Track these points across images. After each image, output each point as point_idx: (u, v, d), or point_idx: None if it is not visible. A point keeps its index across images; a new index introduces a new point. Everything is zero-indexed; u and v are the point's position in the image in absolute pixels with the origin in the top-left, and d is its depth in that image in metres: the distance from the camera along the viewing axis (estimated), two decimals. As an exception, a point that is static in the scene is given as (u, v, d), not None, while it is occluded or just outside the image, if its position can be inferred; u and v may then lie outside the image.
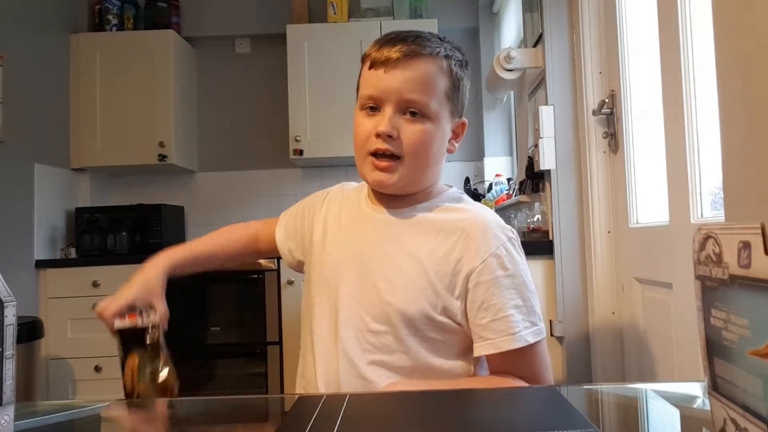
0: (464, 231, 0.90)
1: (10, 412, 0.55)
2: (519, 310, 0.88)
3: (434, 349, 0.89)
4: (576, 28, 1.86)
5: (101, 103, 3.12)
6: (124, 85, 3.12)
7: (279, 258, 1.13)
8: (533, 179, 2.12)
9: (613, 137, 1.74)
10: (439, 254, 0.89)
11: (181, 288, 3.20)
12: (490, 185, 2.99)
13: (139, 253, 3.00)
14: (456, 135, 0.96)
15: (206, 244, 1.17)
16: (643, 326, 1.59)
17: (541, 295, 2.00)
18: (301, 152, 3.05)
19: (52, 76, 3.01)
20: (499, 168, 3.13)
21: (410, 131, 0.88)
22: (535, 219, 2.12)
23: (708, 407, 0.44)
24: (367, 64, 0.92)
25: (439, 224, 0.92)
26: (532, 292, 0.92)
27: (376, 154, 0.89)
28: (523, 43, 2.39)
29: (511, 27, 2.92)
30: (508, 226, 0.95)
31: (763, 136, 0.87)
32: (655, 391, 0.72)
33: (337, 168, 3.40)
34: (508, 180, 2.91)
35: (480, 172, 3.29)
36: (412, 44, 0.88)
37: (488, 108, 3.27)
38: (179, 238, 3.35)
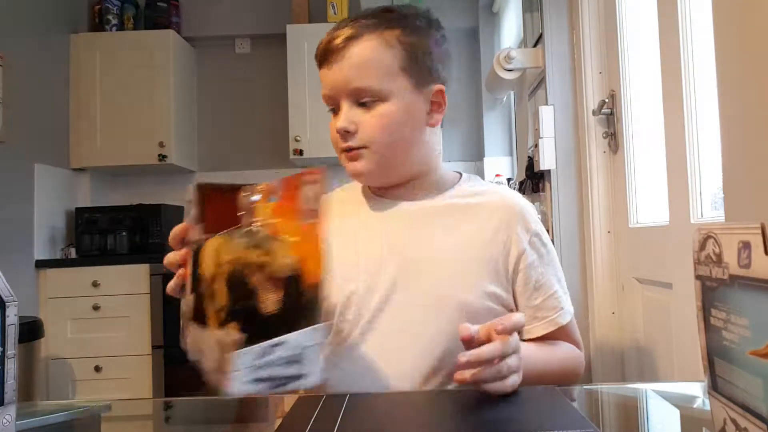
0: (504, 211, 0.88)
1: (11, 411, 0.55)
2: (560, 283, 0.90)
3: None
4: (576, 28, 1.86)
5: (101, 104, 3.12)
6: (124, 85, 3.12)
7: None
8: (533, 179, 2.12)
9: (613, 137, 1.74)
10: (486, 236, 0.86)
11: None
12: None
13: (139, 253, 3.01)
14: (437, 105, 0.88)
15: None
16: (643, 326, 1.58)
17: (541, 295, 2.00)
18: (301, 152, 3.05)
19: (52, 76, 3.01)
20: (499, 168, 3.13)
21: (367, 120, 0.84)
22: (535, 219, 2.12)
23: (708, 407, 0.44)
24: (317, 64, 0.89)
25: (475, 207, 0.88)
26: (559, 266, 0.94)
27: (345, 150, 0.87)
28: (523, 43, 2.39)
29: (511, 27, 2.92)
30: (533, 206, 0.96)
31: (763, 136, 0.87)
32: (655, 391, 0.72)
33: (338, 168, 3.39)
34: (508, 180, 2.91)
35: (480, 172, 3.29)
36: (345, 29, 0.84)
37: (488, 108, 3.27)
38: (179, 238, 3.34)
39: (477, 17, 3.32)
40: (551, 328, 0.87)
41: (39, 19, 2.90)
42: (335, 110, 0.87)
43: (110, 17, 3.24)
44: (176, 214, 3.34)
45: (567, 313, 0.89)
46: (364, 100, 0.83)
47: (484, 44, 3.29)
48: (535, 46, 2.14)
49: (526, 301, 0.87)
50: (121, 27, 3.26)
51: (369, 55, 0.82)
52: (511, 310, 0.86)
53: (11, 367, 0.55)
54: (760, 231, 0.36)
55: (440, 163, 0.93)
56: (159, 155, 3.08)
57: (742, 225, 0.38)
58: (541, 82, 2.06)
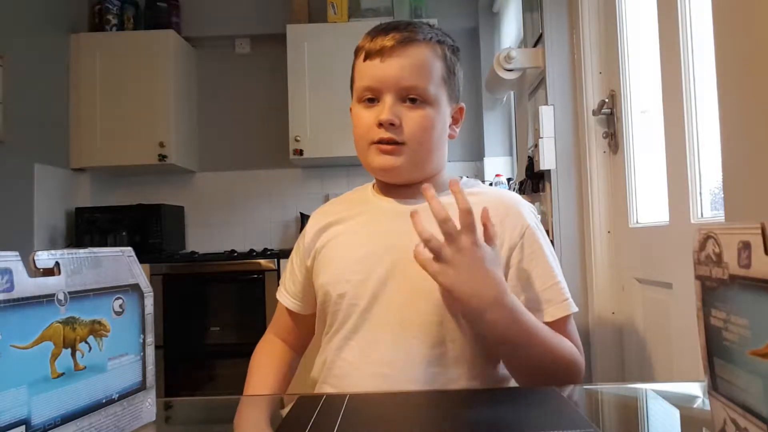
0: (498, 208, 0.89)
1: (152, 395, 0.58)
2: (559, 278, 0.89)
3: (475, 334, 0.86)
4: (576, 28, 1.86)
5: (101, 103, 3.12)
6: (124, 85, 3.12)
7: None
8: (533, 179, 2.12)
9: (613, 137, 1.74)
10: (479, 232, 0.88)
11: (181, 288, 3.22)
12: (490, 185, 2.99)
13: (139, 253, 3.00)
14: (455, 120, 0.96)
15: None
16: (643, 326, 1.58)
17: (541, 295, 2.00)
18: (301, 152, 3.05)
19: (52, 76, 3.01)
20: (499, 168, 3.13)
21: (412, 117, 0.88)
22: (535, 219, 2.12)
23: (708, 407, 0.44)
24: (361, 56, 0.92)
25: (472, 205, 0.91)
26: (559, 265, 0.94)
27: (380, 142, 0.89)
28: (523, 43, 2.39)
29: (511, 27, 2.92)
30: (532, 205, 0.97)
31: (763, 136, 0.87)
32: (655, 391, 0.72)
33: (337, 168, 3.40)
34: (508, 180, 2.91)
35: (480, 172, 3.29)
36: (404, 31, 0.88)
37: (488, 108, 3.27)
38: (179, 238, 3.35)
39: (477, 17, 3.32)
40: (548, 319, 0.85)
41: (39, 19, 2.90)
42: (371, 100, 0.91)
43: (110, 17, 3.24)
44: (176, 214, 3.34)
45: (571, 305, 0.87)
46: (413, 97, 0.88)
47: (484, 44, 3.29)
48: (535, 46, 2.14)
49: (520, 294, 0.87)
50: (121, 27, 3.26)
51: (426, 60, 0.89)
52: None
53: (150, 353, 0.58)
54: (760, 231, 0.36)
55: (444, 167, 0.98)
56: (159, 155, 3.08)
57: (742, 225, 0.38)
58: (541, 82, 2.06)
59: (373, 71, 0.89)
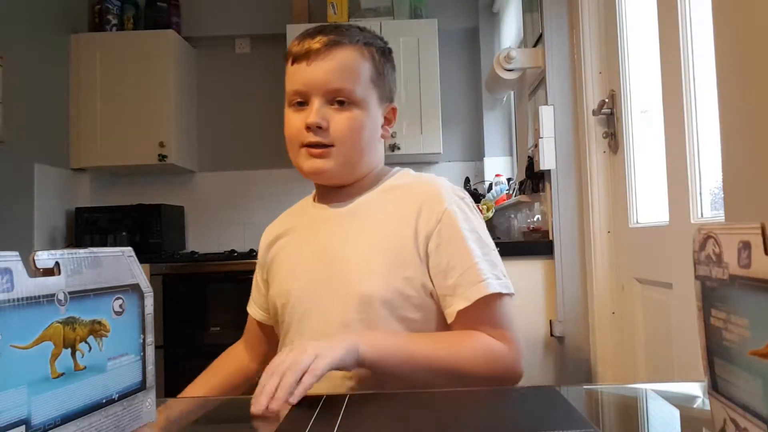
0: (415, 198, 0.91)
1: (152, 395, 0.58)
2: (484, 260, 0.87)
3: (413, 330, 0.88)
4: (576, 28, 1.86)
5: (101, 103, 3.12)
6: (124, 85, 3.12)
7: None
8: (533, 179, 2.12)
9: (613, 137, 1.74)
10: (398, 227, 0.89)
11: (181, 288, 3.21)
12: (490, 185, 2.99)
13: (139, 253, 3.00)
14: (388, 121, 0.97)
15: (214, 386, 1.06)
16: (643, 326, 1.58)
17: (541, 295, 2.01)
18: (301, 152, 3.05)
19: (52, 76, 3.01)
20: (499, 168, 3.13)
21: (339, 119, 0.89)
22: (535, 219, 2.12)
23: (708, 407, 0.44)
24: (290, 60, 0.92)
25: (391, 199, 0.93)
26: (493, 249, 0.91)
27: (309, 145, 0.90)
28: (523, 43, 2.39)
29: (511, 27, 2.92)
30: (461, 188, 0.96)
31: (763, 136, 0.87)
32: (655, 391, 0.72)
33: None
34: (508, 180, 2.91)
35: (480, 172, 3.29)
36: (331, 34, 0.89)
37: (488, 108, 3.27)
38: (179, 238, 3.35)
39: (477, 17, 3.33)
40: (464, 304, 0.84)
41: (39, 19, 2.90)
42: (300, 104, 0.91)
43: (110, 17, 3.24)
44: (176, 214, 3.34)
45: (487, 286, 0.84)
46: (340, 99, 0.89)
47: (484, 44, 3.29)
48: (535, 46, 2.14)
49: (441, 282, 0.87)
50: (121, 27, 3.26)
51: (352, 62, 0.90)
52: (430, 295, 0.88)
53: (150, 353, 0.58)
54: (760, 231, 0.36)
55: (376, 169, 0.99)
56: (159, 155, 3.08)
57: (742, 225, 0.38)
58: (541, 82, 2.06)
59: (300, 75, 0.90)
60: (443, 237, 0.87)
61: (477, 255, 0.87)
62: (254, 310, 1.09)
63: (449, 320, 0.87)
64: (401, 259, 0.87)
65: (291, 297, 0.93)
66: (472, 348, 0.84)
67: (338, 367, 0.72)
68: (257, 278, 1.08)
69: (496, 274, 0.87)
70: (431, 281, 0.88)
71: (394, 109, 0.97)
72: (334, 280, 0.89)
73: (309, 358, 0.69)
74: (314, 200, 1.01)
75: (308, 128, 0.89)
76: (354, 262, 0.89)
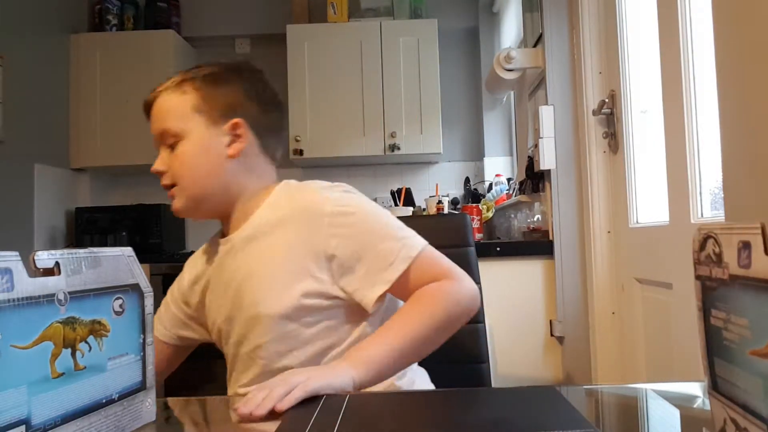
0: (299, 211, 0.92)
1: (152, 395, 0.58)
2: (386, 239, 0.90)
3: (328, 331, 0.90)
4: (576, 28, 1.86)
5: (101, 103, 3.12)
6: (124, 85, 3.12)
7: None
8: (533, 179, 2.12)
9: (613, 137, 1.74)
10: (288, 242, 0.91)
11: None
12: (490, 185, 2.99)
13: (139, 253, 3.00)
14: (236, 137, 0.96)
15: None
16: (643, 326, 1.58)
17: (541, 295, 2.01)
18: (301, 152, 3.05)
19: (52, 76, 3.01)
20: (499, 168, 3.13)
21: (173, 159, 0.95)
22: (535, 219, 2.12)
23: (708, 407, 0.44)
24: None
25: (277, 218, 0.94)
26: (388, 217, 0.93)
27: (165, 189, 0.99)
28: (523, 43, 2.39)
29: (511, 27, 2.92)
30: (335, 184, 0.97)
31: (763, 136, 0.87)
32: (655, 391, 0.72)
33: (337, 168, 3.40)
34: (508, 180, 2.91)
35: (480, 172, 3.29)
36: (158, 89, 0.97)
37: (488, 108, 3.27)
38: (179, 238, 3.35)
39: (477, 17, 3.32)
40: (384, 288, 0.87)
41: (39, 19, 2.90)
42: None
43: (110, 17, 3.24)
44: (176, 214, 3.34)
45: (400, 261, 0.88)
46: (170, 142, 0.95)
47: (484, 44, 3.29)
48: (535, 46, 2.14)
49: (354, 277, 0.89)
50: (121, 27, 3.26)
51: (168, 103, 0.95)
52: (336, 297, 0.90)
53: (150, 353, 0.58)
54: (760, 231, 0.36)
55: (250, 189, 0.99)
56: (159, 155, 3.08)
57: (742, 225, 0.38)
58: (541, 82, 2.06)
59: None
60: (342, 235, 0.89)
61: (377, 238, 0.90)
62: (157, 325, 1.09)
63: (373, 306, 0.89)
64: (297, 273, 0.89)
65: (221, 332, 0.98)
66: (434, 303, 0.87)
67: (331, 391, 0.72)
68: (172, 296, 1.09)
69: (401, 239, 0.90)
70: (338, 283, 0.89)
71: (236, 124, 0.95)
72: (243, 307, 0.93)
73: (301, 378, 0.70)
74: (219, 235, 1.04)
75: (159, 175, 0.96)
76: (254, 287, 0.92)
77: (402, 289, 0.89)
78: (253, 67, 1.02)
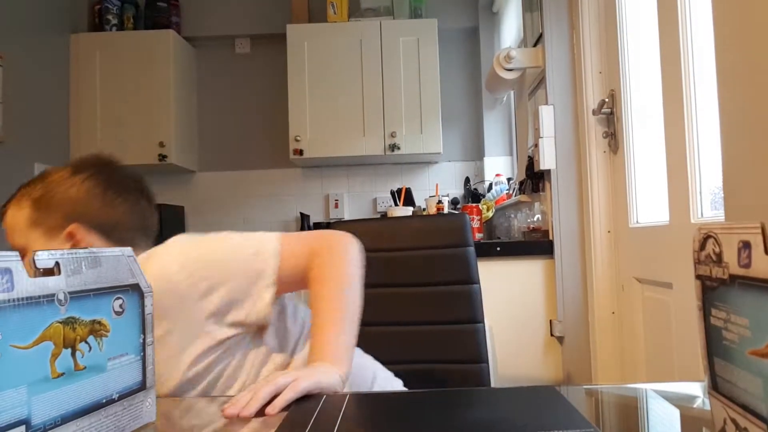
0: (154, 284, 0.88)
1: (152, 395, 0.58)
2: (241, 255, 0.89)
3: (235, 370, 0.88)
4: (576, 28, 1.86)
5: (101, 103, 3.12)
6: (124, 85, 3.12)
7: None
8: (533, 179, 2.12)
9: (613, 137, 1.74)
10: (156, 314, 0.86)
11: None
12: (490, 185, 2.99)
13: (139, 253, 3.01)
14: (76, 242, 0.94)
15: None
16: (643, 326, 1.58)
17: (541, 295, 2.01)
18: (301, 152, 3.05)
19: (52, 76, 3.01)
20: (499, 168, 3.13)
21: None
22: (535, 219, 2.12)
23: (708, 407, 0.44)
24: None
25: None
26: (228, 237, 0.93)
27: None
28: (523, 43, 2.39)
29: (511, 27, 2.92)
30: (170, 242, 0.96)
31: (763, 136, 0.87)
32: (655, 391, 0.72)
33: (337, 168, 3.41)
34: (508, 180, 2.91)
35: (480, 172, 3.29)
36: (5, 206, 0.98)
37: (488, 108, 3.27)
38: (179, 238, 3.35)
39: (477, 17, 3.33)
40: (270, 291, 0.85)
41: (39, 19, 2.90)
42: None
43: (110, 17, 3.24)
44: (176, 214, 3.34)
45: (263, 277, 0.86)
46: (22, 257, 0.92)
47: (484, 44, 3.29)
48: (535, 46, 2.14)
49: (238, 305, 0.86)
50: (121, 27, 3.26)
51: (9, 220, 0.96)
52: (227, 338, 0.86)
53: (150, 353, 0.58)
54: (760, 231, 0.36)
55: None
56: (159, 155, 3.08)
57: (742, 225, 0.37)
58: (541, 82, 2.06)
59: None
60: (198, 281, 0.86)
61: (235, 259, 0.88)
62: None
63: (269, 319, 0.87)
64: (178, 349, 0.86)
65: None
66: (339, 273, 0.87)
67: (321, 390, 0.72)
68: None
69: (250, 247, 0.88)
70: (226, 322, 0.86)
71: (70, 233, 0.94)
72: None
73: (288, 379, 0.70)
74: None
75: None
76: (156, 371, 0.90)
77: (290, 281, 0.88)
78: (104, 160, 1.02)
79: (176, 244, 0.95)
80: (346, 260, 0.89)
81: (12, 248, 0.92)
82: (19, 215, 0.95)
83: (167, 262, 0.90)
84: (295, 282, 0.89)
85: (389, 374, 1.09)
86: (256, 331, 0.90)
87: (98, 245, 0.95)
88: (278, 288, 0.87)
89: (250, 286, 0.86)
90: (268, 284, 0.86)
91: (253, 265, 0.87)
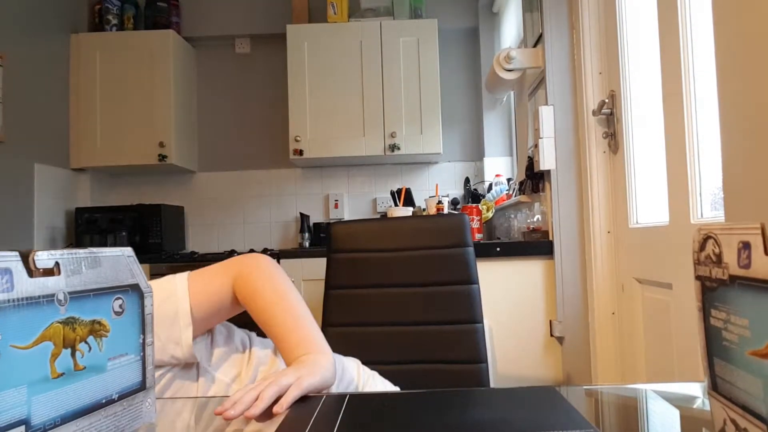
0: None
1: (152, 395, 0.58)
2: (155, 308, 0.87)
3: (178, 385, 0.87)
4: (576, 28, 1.86)
5: (101, 103, 3.12)
6: (124, 85, 3.12)
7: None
8: (533, 179, 2.12)
9: (613, 137, 1.74)
10: None
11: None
12: (490, 185, 2.99)
13: (139, 253, 3.01)
14: None
15: None
16: (643, 326, 1.58)
17: (541, 295, 2.01)
18: (301, 152, 3.05)
19: (52, 76, 3.01)
20: (499, 168, 3.13)
21: None
22: (535, 219, 2.12)
23: (708, 407, 0.44)
24: None
25: None
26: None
27: None
28: (523, 43, 2.39)
29: (511, 27, 2.92)
30: None
31: (763, 136, 0.87)
32: (655, 391, 0.72)
33: (337, 168, 3.40)
34: (508, 180, 2.91)
35: (480, 172, 3.29)
36: None
37: (488, 108, 3.27)
38: (179, 238, 3.35)
39: (477, 17, 3.33)
40: (188, 331, 0.84)
41: (39, 19, 2.90)
42: None
43: (110, 17, 3.24)
44: (176, 214, 3.34)
45: (182, 301, 0.85)
46: None
47: (484, 44, 3.29)
48: (535, 46, 2.14)
49: (160, 350, 0.85)
50: (121, 27, 3.26)
51: None
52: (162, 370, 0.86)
53: (150, 353, 0.58)
54: (760, 231, 0.36)
55: None
56: (159, 155, 3.08)
57: (742, 225, 0.37)
58: (541, 82, 2.06)
59: None
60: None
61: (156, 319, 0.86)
62: None
63: (196, 357, 0.86)
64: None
65: None
66: (268, 285, 0.87)
67: (322, 387, 0.72)
68: None
69: (166, 294, 0.86)
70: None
71: None
72: None
73: (291, 378, 0.69)
74: None
75: None
76: None
77: (208, 316, 0.87)
78: None
79: None
80: (268, 272, 0.88)
81: None
82: None
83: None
84: (214, 314, 0.88)
85: (349, 360, 1.08)
86: (187, 366, 0.87)
87: None
88: (196, 326, 0.85)
89: (167, 330, 0.84)
90: (186, 324, 0.84)
91: (166, 309, 0.84)
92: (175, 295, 0.86)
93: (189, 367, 0.89)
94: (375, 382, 1.08)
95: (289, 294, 0.87)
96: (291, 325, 0.84)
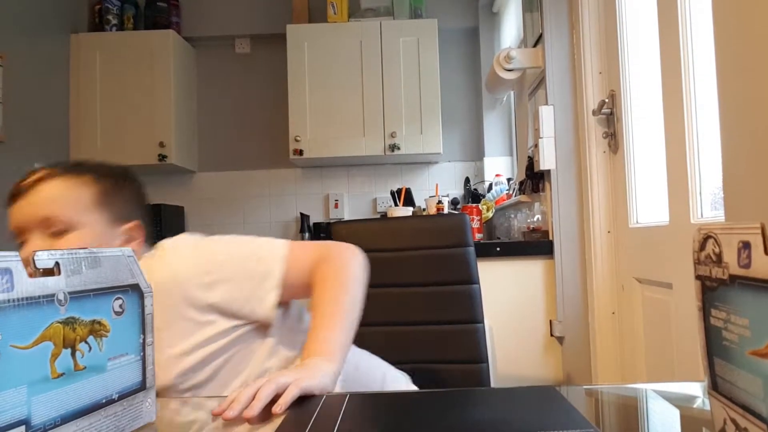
0: (169, 292, 0.89)
1: (152, 395, 0.58)
2: (251, 257, 0.92)
3: (239, 362, 0.90)
4: (576, 28, 1.86)
5: (101, 103, 3.12)
6: (124, 85, 3.12)
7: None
8: (533, 179, 2.12)
9: (613, 137, 1.74)
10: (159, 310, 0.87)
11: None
12: (490, 185, 2.99)
13: (139, 253, 3.01)
14: (131, 238, 0.95)
15: None
16: (643, 326, 1.58)
17: (541, 295, 2.01)
18: (301, 152, 3.05)
19: (52, 76, 3.01)
20: (499, 168, 3.13)
21: (58, 246, 0.85)
22: (535, 219, 2.12)
23: (708, 407, 0.44)
24: (7, 202, 0.91)
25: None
26: (238, 240, 0.98)
27: None
28: (523, 43, 2.39)
29: (511, 27, 2.92)
30: (178, 239, 0.99)
31: (763, 136, 0.87)
32: (655, 391, 0.72)
33: (337, 168, 3.41)
34: (508, 180, 2.91)
35: (480, 172, 3.29)
36: (41, 172, 0.91)
37: (488, 108, 3.27)
38: (179, 238, 3.35)
39: (477, 17, 3.33)
40: (275, 293, 0.88)
41: (39, 19, 2.90)
42: (23, 243, 0.88)
43: (110, 17, 3.24)
44: (176, 214, 3.34)
45: (278, 262, 0.89)
46: (54, 230, 0.86)
47: (484, 44, 3.29)
48: (535, 46, 2.14)
49: (243, 301, 0.89)
50: (121, 27, 3.26)
51: (62, 190, 0.89)
52: (229, 329, 0.89)
53: (150, 353, 0.58)
54: (760, 231, 0.36)
55: None
56: (159, 155, 3.08)
57: (742, 225, 0.37)
58: (541, 82, 2.06)
59: (13, 213, 0.89)
60: (216, 280, 0.89)
61: (243, 260, 0.92)
62: None
63: (272, 319, 0.90)
64: (173, 338, 0.87)
65: None
66: (343, 276, 0.89)
67: (319, 392, 0.72)
68: None
69: (261, 255, 0.91)
70: (229, 313, 0.89)
71: (135, 226, 0.96)
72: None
73: (289, 378, 0.70)
74: None
75: None
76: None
77: (295, 286, 0.90)
78: (134, 172, 1.04)
79: (186, 245, 0.98)
80: (348, 268, 0.91)
81: (40, 218, 0.86)
82: (79, 191, 0.90)
83: (177, 263, 0.93)
84: (299, 287, 0.91)
85: (398, 373, 1.10)
86: (260, 326, 0.91)
87: (137, 249, 0.95)
88: (283, 291, 0.89)
89: (255, 287, 0.89)
90: (273, 286, 0.89)
91: (260, 267, 0.90)
92: (272, 256, 0.91)
93: (258, 332, 0.92)
94: (399, 385, 1.08)
95: (346, 295, 0.88)
96: (325, 324, 0.85)
